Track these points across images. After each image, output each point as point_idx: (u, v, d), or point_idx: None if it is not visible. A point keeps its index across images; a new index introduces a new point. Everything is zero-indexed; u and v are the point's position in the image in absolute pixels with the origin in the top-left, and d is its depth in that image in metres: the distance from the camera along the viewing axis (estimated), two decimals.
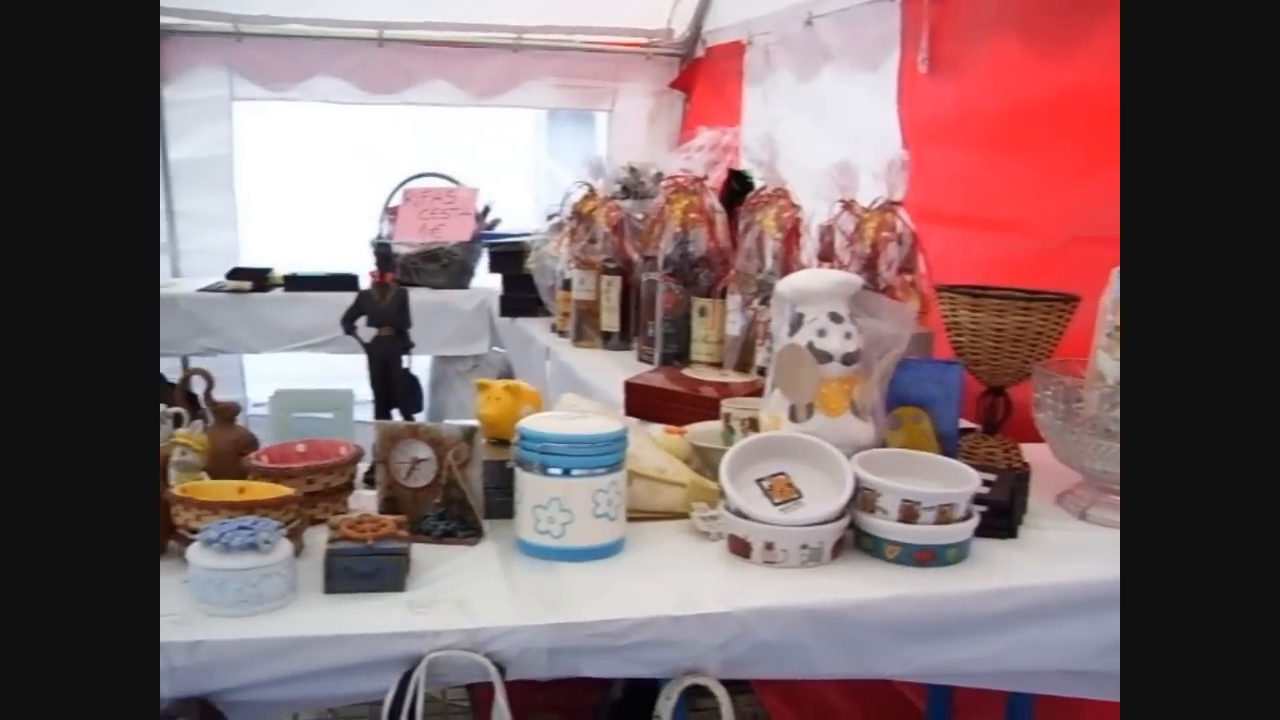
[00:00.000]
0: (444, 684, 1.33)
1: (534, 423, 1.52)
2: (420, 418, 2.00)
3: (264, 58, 4.45)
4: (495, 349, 4.09)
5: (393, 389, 1.87)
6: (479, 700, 2.66)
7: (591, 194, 3.20)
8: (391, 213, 4.19)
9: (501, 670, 1.30)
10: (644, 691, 1.83)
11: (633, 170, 3.39)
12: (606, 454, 1.49)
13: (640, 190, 3.32)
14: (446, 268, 4.05)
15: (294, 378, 4.03)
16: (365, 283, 3.78)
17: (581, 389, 2.60)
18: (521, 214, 4.59)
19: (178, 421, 1.81)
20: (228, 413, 1.79)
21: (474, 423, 1.63)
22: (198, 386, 1.89)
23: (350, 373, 3.51)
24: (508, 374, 3.82)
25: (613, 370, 2.72)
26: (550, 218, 3.54)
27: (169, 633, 1.27)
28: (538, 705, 1.40)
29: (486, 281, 4.04)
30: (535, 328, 3.52)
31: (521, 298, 3.66)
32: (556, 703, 2.35)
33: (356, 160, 6.30)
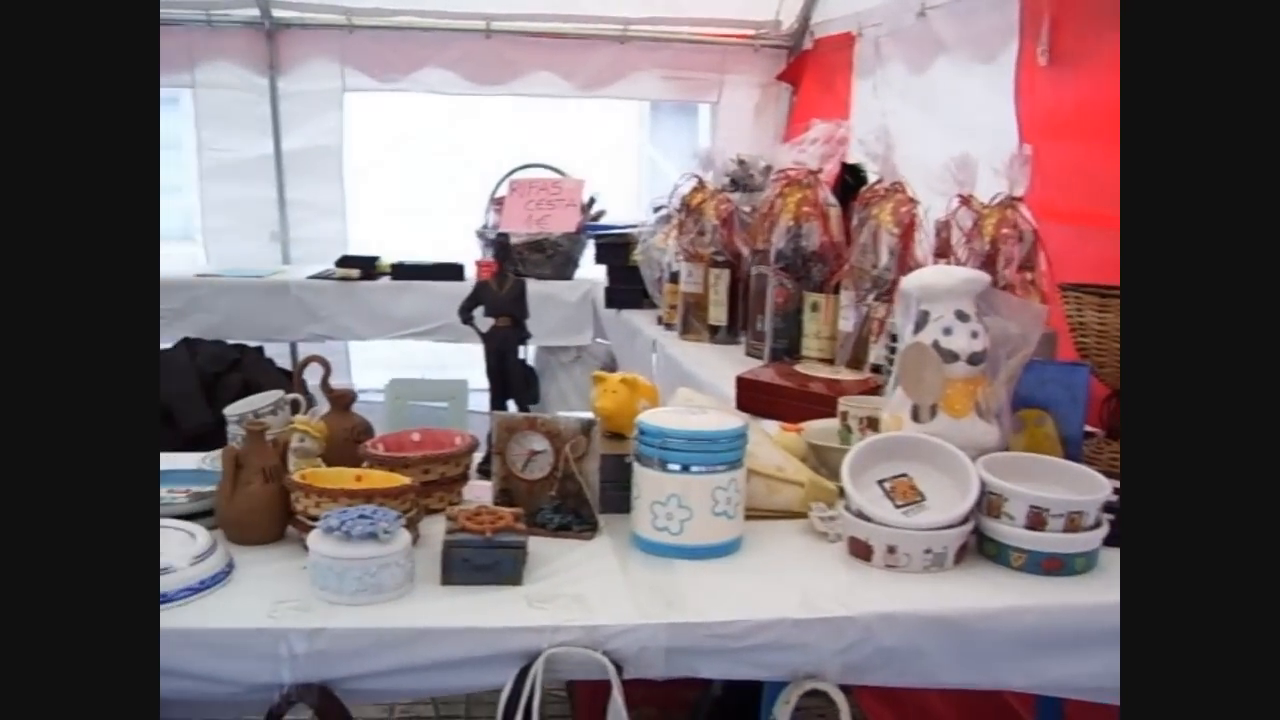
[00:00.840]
0: (559, 679, 1.32)
1: (653, 418, 1.50)
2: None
3: (375, 49, 4.52)
4: (599, 340, 4.10)
5: (509, 379, 1.86)
6: (576, 692, 2.65)
7: (700, 186, 3.17)
8: (498, 203, 4.21)
9: (619, 669, 1.28)
10: (744, 690, 1.80)
11: (742, 163, 3.34)
12: (727, 451, 1.47)
13: (749, 183, 3.27)
14: (552, 258, 4.06)
15: (398, 365, 4.08)
16: (471, 272, 3.84)
17: (689, 382, 2.58)
18: (624, 205, 4.59)
19: (295, 408, 1.83)
20: (344, 400, 1.80)
21: (592, 416, 1.61)
22: (312, 374, 1.91)
23: (453, 361, 3.55)
24: (610, 366, 3.82)
25: (721, 364, 2.70)
26: (657, 210, 3.53)
27: (289, 619, 1.29)
28: (637, 700, 1.38)
29: (591, 273, 4.05)
30: (641, 320, 3.52)
31: (627, 289, 3.67)
32: (656, 698, 2.33)
33: (462, 150, 6.35)
